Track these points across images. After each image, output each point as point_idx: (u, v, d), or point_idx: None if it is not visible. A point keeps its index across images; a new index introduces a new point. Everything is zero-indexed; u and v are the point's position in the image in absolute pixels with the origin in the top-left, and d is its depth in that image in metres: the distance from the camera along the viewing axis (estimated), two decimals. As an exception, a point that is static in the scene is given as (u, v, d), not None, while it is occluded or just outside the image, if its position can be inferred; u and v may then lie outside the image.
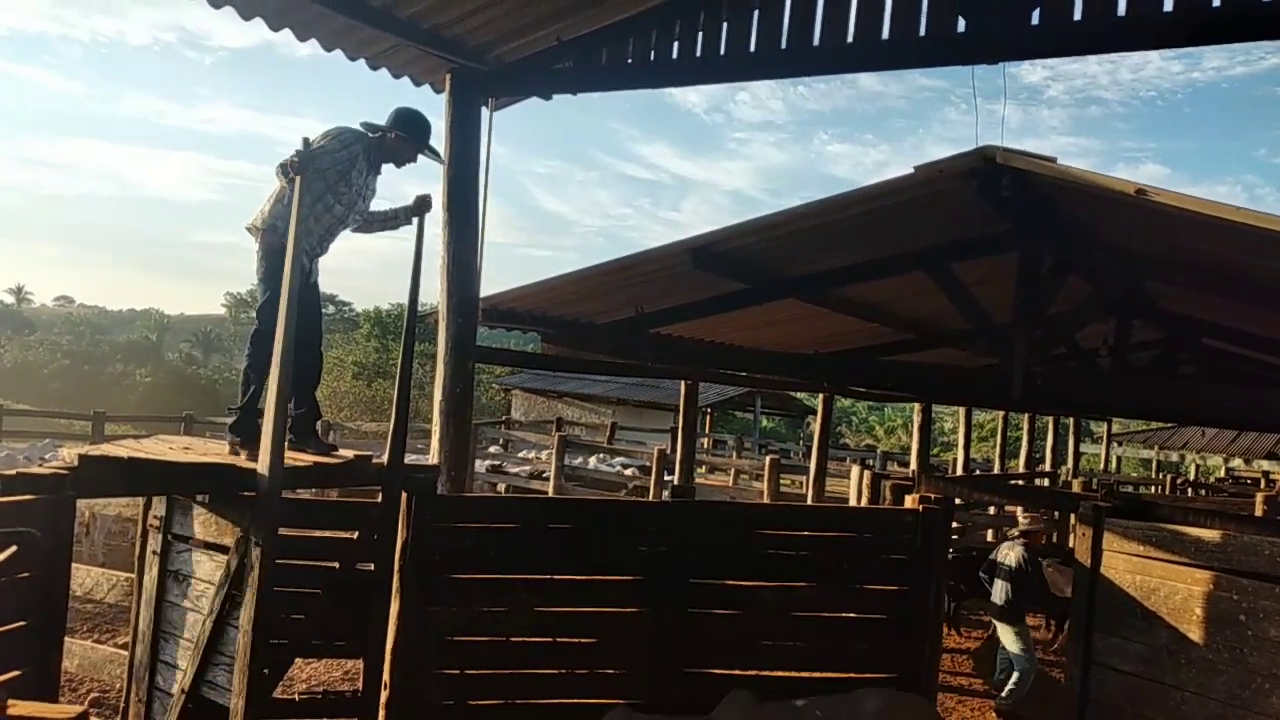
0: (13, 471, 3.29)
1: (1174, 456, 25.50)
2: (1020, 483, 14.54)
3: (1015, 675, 7.41)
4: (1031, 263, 5.48)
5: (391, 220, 5.23)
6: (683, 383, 9.39)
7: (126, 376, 42.77)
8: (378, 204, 5.29)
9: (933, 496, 5.47)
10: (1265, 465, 21.90)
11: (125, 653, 5.18)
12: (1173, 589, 4.54)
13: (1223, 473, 24.46)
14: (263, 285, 4.93)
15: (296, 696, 5.29)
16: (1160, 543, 4.63)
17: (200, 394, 36.77)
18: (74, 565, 5.09)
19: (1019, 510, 8.45)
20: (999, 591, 7.57)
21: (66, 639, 4.92)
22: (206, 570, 4.56)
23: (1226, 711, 4.27)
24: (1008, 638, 7.59)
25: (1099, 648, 4.81)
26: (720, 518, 5.28)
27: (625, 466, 17.08)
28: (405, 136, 5.00)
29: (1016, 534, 8.07)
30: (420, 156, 5.12)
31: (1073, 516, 9.83)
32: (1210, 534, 4.48)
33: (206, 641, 4.42)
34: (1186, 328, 8.65)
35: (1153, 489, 18.41)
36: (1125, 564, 4.76)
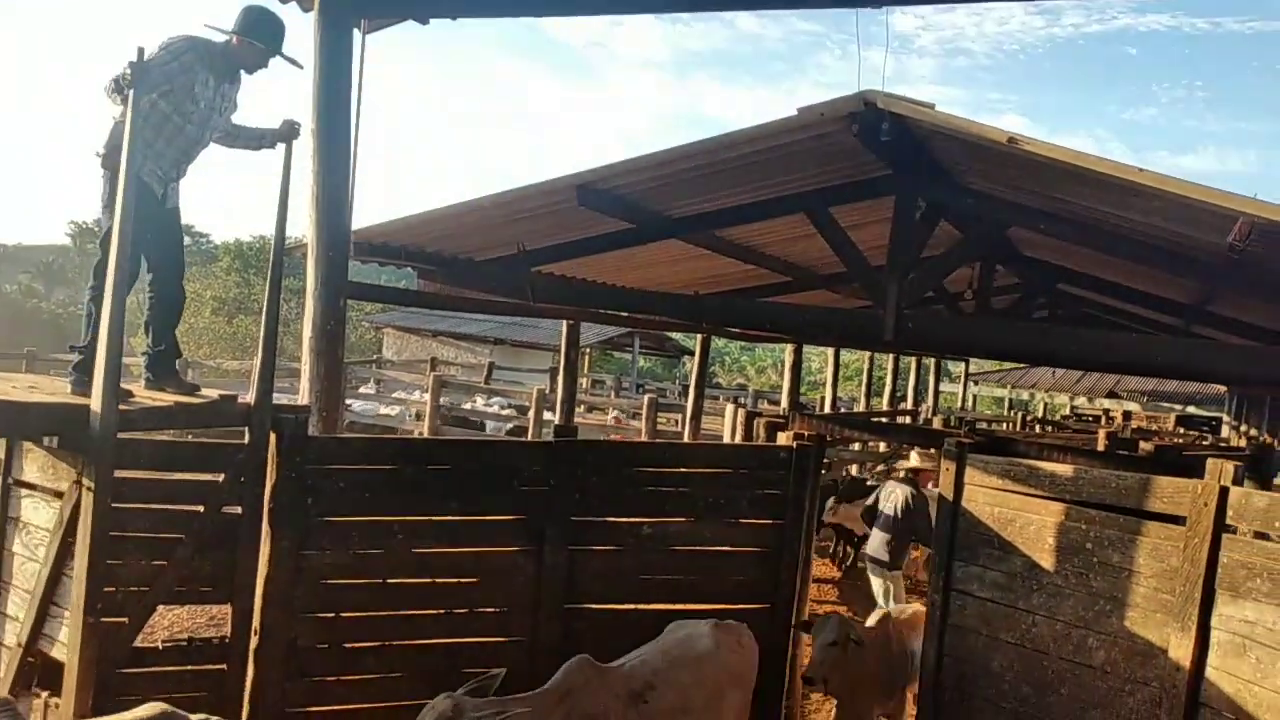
0: None
1: (1025, 395, 27.14)
2: (884, 420, 15.20)
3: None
4: (907, 207, 5.62)
5: (256, 139, 4.92)
6: (564, 323, 9.31)
7: (-43, 310, 39.50)
8: (244, 120, 4.97)
9: (805, 434, 5.63)
10: (1106, 403, 23.57)
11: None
12: (1028, 520, 4.82)
13: (1068, 410, 26.20)
14: (106, 213, 4.56)
15: (160, 645, 5.06)
16: (1018, 477, 4.90)
17: (43, 329, 34.33)
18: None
19: (914, 449, 8.46)
20: (878, 541, 7.53)
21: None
22: (44, 517, 4.31)
23: (1071, 632, 4.59)
24: (880, 588, 7.62)
25: (958, 576, 5.08)
26: (602, 456, 5.28)
27: (503, 407, 16.96)
28: (249, 40, 4.64)
29: (903, 473, 8.03)
30: (275, 63, 4.78)
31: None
32: (1064, 468, 4.76)
33: (43, 592, 4.19)
34: (1044, 273, 9.11)
35: (1005, 425, 19.55)
36: (985, 497, 5.02)
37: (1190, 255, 5.80)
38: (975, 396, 27.25)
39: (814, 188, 6.04)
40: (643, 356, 33.61)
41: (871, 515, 7.74)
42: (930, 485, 8.14)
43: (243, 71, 4.79)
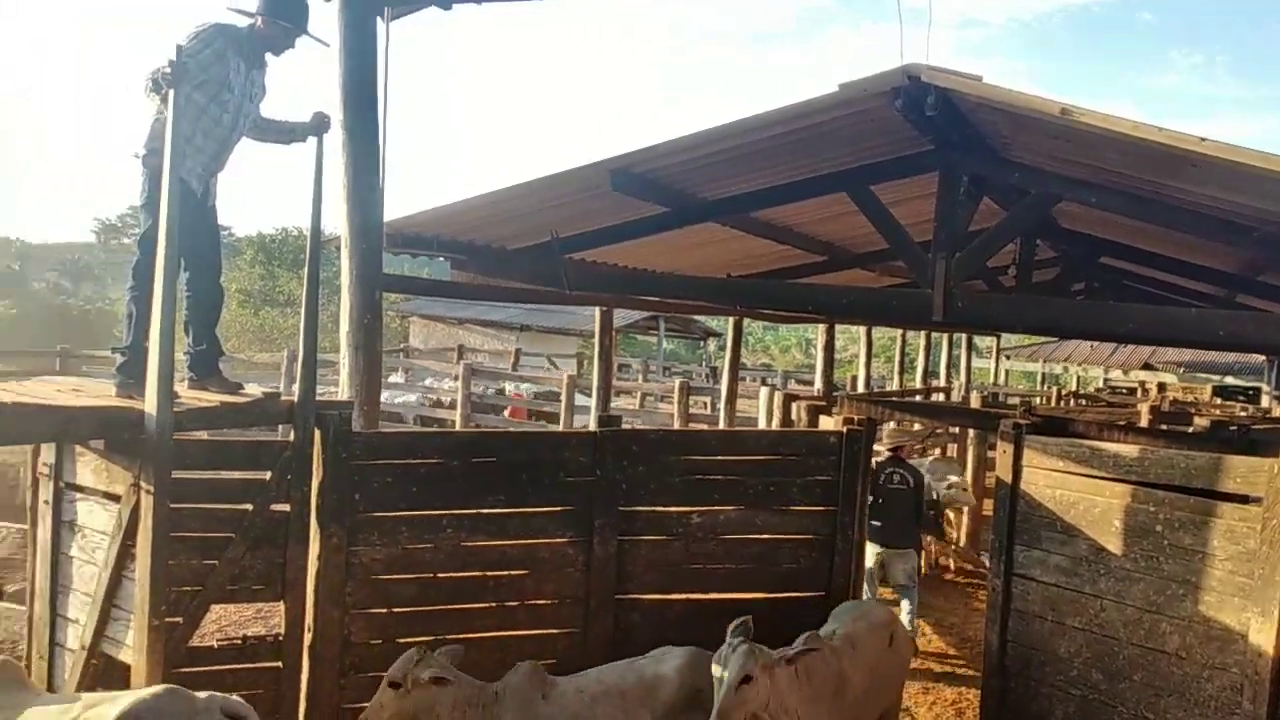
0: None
1: (1057, 369, 26.82)
2: (919, 398, 15.04)
3: (907, 605, 7.38)
4: (951, 183, 5.48)
5: (286, 133, 4.86)
6: (598, 309, 9.24)
7: (-13, 309, 39.96)
8: (272, 109, 4.90)
9: (855, 418, 5.54)
10: (1141, 375, 23.23)
11: (19, 607, 4.87)
12: (1092, 502, 4.71)
13: (1101, 383, 25.89)
14: (145, 212, 4.52)
15: (215, 644, 5.06)
16: (1079, 458, 4.78)
17: (73, 326, 34.67)
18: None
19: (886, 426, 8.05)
20: (892, 525, 7.30)
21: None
22: (101, 521, 4.30)
23: (1143, 616, 4.48)
24: (895, 566, 7.40)
25: (1020, 560, 4.98)
26: (648, 445, 5.20)
27: (532, 395, 16.94)
28: (276, 21, 4.56)
29: (885, 451, 7.76)
30: (303, 41, 4.70)
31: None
32: (1128, 449, 4.64)
33: (104, 595, 4.19)
34: (1086, 247, 8.92)
35: (1039, 400, 19.34)
36: (1045, 479, 4.90)
37: (1245, 225, 5.63)
38: (1007, 371, 26.96)
39: (854, 165, 5.90)
40: (668, 339, 33.50)
41: (876, 494, 7.18)
42: (911, 457, 8.35)
43: (269, 54, 4.72)
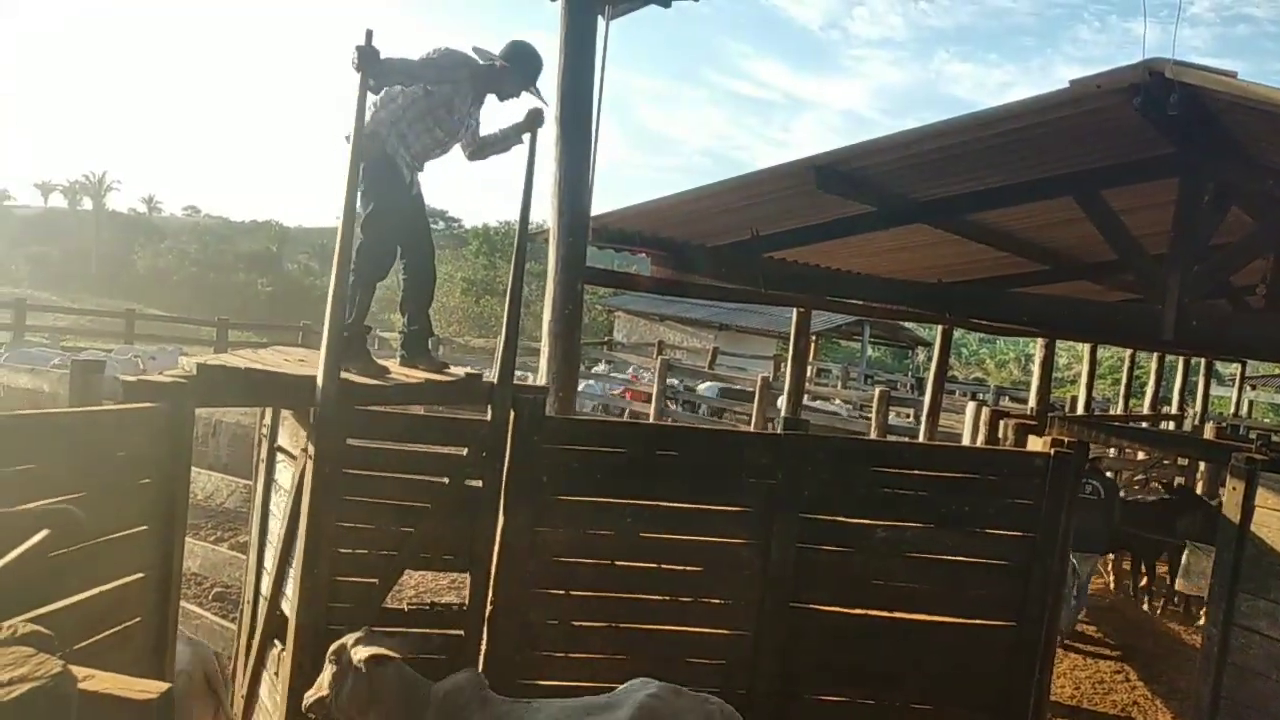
0: (134, 379, 3.31)
1: (1314, 403, 23.87)
2: (1145, 425, 13.82)
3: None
4: (1193, 190, 4.97)
5: (502, 142, 5.06)
6: (795, 310, 9.08)
7: (249, 286, 44.54)
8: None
9: (1065, 440, 5.14)
10: None
11: (243, 555, 5.36)
12: (1336, 553, 4.16)
13: (1367, 422, 22.85)
14: (364, 198, 4.85)
15: (405, 607, 5.38)
16: (1326, 502, 4.23)
17: (317, 305, 37.99)
18: (197, 470, 5.26)
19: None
20: None
21: (191, 540, 5.11)
22: (288, 480, 4.63)
23: (1391, 690, 3.92)
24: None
25: (1243, 610, 4.46)
26: (834, 451, 5.06)
27: (723, 394, 16.96)
28: (512, 69, 4.81)
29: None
30: (525, 94, 4.93)
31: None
32: (1387, 496, 4.06)
33: (281, 551, 4.50)
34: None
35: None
36: (1281, 523, 4.37)
37: None
38: (1251, 402, 24.30)
39: (1084, 168, 5.47)
40: (872, 346, 32.56)
41: None
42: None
43: (493, 96, 4.96)
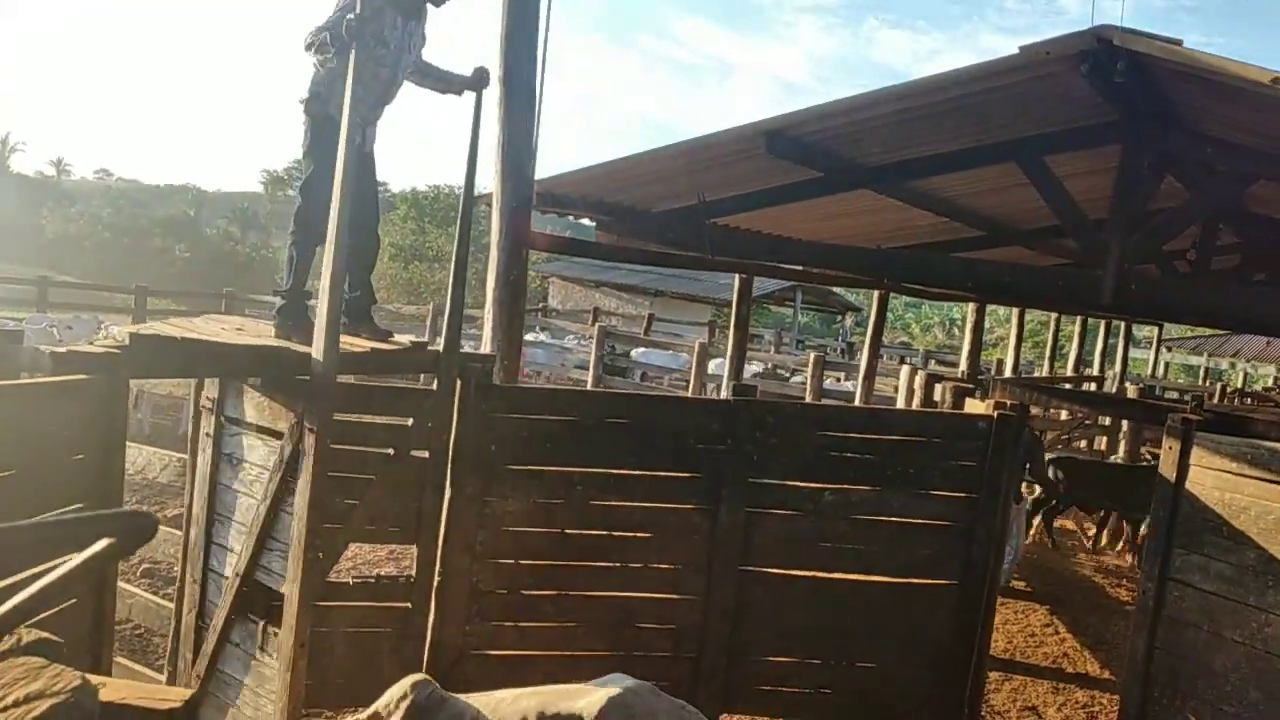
0: (64, 349, 3.13)
1: (1222, 364, 24.96)
2: (1068, 386, 14.26)
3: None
4: (1135, 158, 5.06)
5: (444, 82, 4.88)
6: (736, 276, 9.08)
7: (166, 252, 42.97)
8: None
9: (1007, 403, 5.23)
10: (1320, 377, 21.36)
11: (177, 531, 5.17)
12: (1265, 508, 4.31)
13: (1270, 382, 23.98)
14: (307, 159, 4.67)
15: (350, 580, 5.26)
16: (1256, 460, 4.37)
17: (239, 270, 36.94)
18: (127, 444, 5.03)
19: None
20: None
21: (120, 516, 4.87)
22: (260, 455, 4.48)
23: (1317, 637, 4.10)
24: None
25: (1177, 564, 4.62)
26: (783, 417, 5.07)
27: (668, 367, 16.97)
28: None
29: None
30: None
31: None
32: (1317, 454, 4.22)
33: (261, 527, 4.38)
34: (1274, 231, 8.17)
35: (1204, 397, 18.02)
36: (1214, 480, 4.52)
37: None
38: (1166, 364, 25.27)
39: (1029, 134, 5.53)
40: (803, 312, 32.92)
41: None
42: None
43: (430, 5, 4.75)
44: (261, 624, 4.41)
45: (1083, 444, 13.62)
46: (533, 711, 3.11)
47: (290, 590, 3.98)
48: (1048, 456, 9.33)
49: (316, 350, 3.88)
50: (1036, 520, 9.67)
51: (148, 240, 43.95)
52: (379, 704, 3.22)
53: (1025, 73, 4.67)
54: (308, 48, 4.41)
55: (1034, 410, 13.82)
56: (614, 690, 3.21)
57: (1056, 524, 10.05)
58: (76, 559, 1.38)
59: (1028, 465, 7.82)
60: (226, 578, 4.56)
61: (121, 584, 5.58)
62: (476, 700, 3.17)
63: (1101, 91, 4.67)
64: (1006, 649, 7.20)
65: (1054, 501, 9.55)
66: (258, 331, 4.62)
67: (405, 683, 3.24)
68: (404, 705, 3.12)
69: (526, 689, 3.43)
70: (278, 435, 4.34)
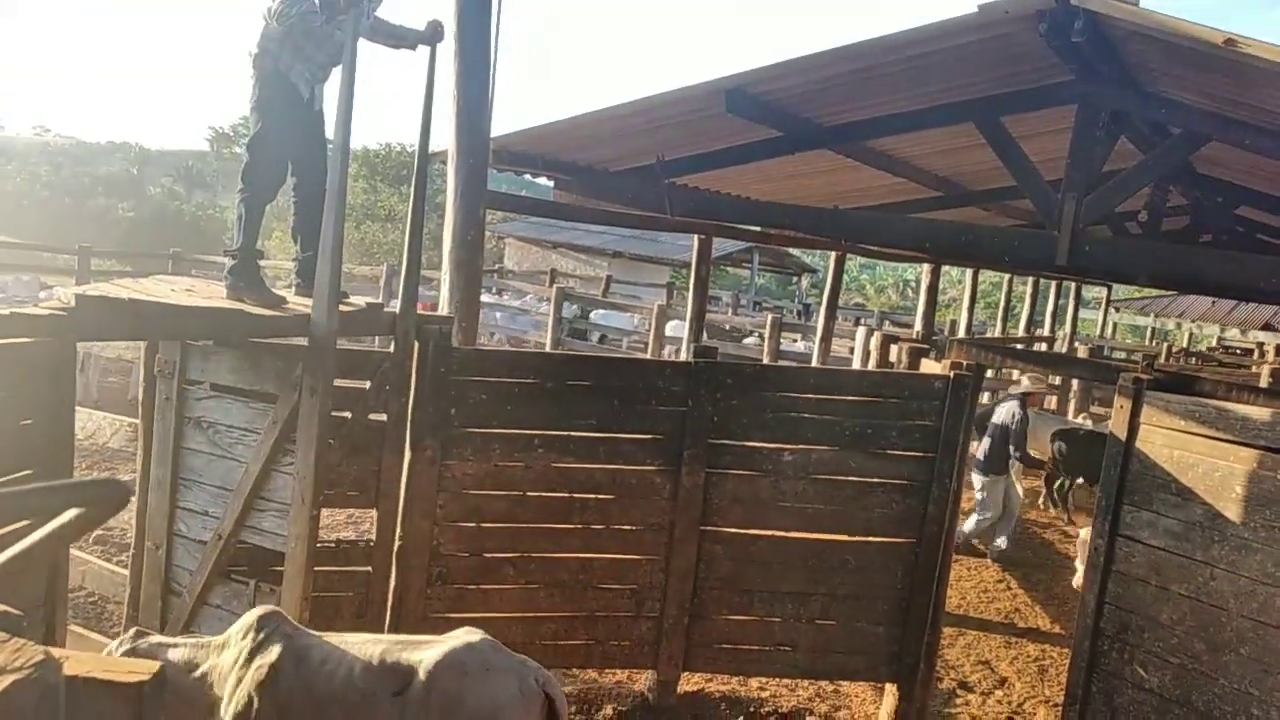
0: (7, 311, 3.02)
1: (1170, 324, 25.54)
2: (1020, 346, 14.49)
3: (975, 517, 8.35)
4: (1090, 118, 5.09)
5: (396, 37, 4.77)
6: (696, 237, 9.05)
7: (108, 211, 41.70)
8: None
9: (964, 363, 5.29)
10: (1260, 336, 21.96)
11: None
12: (1212, 465, 4.42)
13: (1214, 342, 24.60)
14: (254, 115, 4.55)
15: (308, 545, 5.20)
16: (1204, 419, 4.48)
17: (184, 230, 35.99)
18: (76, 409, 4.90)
19: (1024, 373, 8.98)
20: (983, 446, 8.35)
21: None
22: (244, 417, 4.49)
23: (1257, 588, 4.22)
24: (980, 485, 8.41)
25: (1127, 521, 4.74)
26: (743, 379, 5.09)
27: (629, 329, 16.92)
28: None
29: (1018, 392, 8.68)
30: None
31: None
32: (1259, 412, 4.32)
33: (250, 488, 4.43)
34: (1223, 194, 8.33)
35: (1155, 356, 18.45)
36: (1163, 438, 4.62)
37: None
38: (1115, 325, 25.81)
39: (986, 94, 5.55)
40: (760, 273, 33.00)
41: (981, 425, 8.28)
42: (1036, 408, 9.49)
43: None
44: (253, 583, 4.48)
45: (1038, 402, 13.89)
46: (376, 656, 3.16)
47: (295, 548, 4.06)
48: (1051, 430, 9.81)
49: (317, 312, 3.95)
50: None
51: (89, 199, 42.62)
52: (231, 631, 3.20)
53: (983, 32, 4.67)
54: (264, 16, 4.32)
55: (988, 372, 14.17)
56: (454, 644, 3.25)
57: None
58: (42, 530, 1.33)
59: (1017, 454, 8.30)
60: (204, 541, 4.54)
61: (74, 551, 5.48)
62: (330, 639, 3.22)
63: (1059, 51, 4.68)
64: (960, 605, 7.37)
65: (1060, 478, 9.82)
66: (209, 293, 4.50)
67: (253, 614, 3.21)
68: (251, 635, 3.12)
69: (376, 635, 3.53)
70: (264, 397, 4.36)
